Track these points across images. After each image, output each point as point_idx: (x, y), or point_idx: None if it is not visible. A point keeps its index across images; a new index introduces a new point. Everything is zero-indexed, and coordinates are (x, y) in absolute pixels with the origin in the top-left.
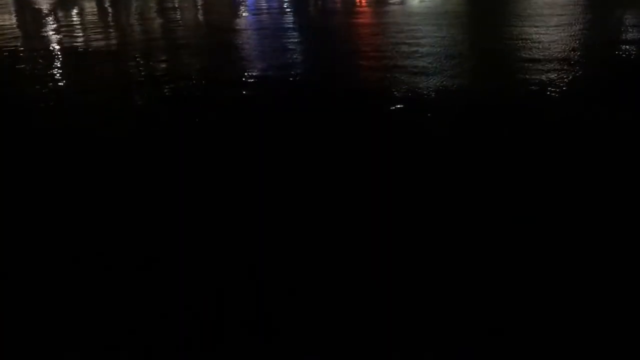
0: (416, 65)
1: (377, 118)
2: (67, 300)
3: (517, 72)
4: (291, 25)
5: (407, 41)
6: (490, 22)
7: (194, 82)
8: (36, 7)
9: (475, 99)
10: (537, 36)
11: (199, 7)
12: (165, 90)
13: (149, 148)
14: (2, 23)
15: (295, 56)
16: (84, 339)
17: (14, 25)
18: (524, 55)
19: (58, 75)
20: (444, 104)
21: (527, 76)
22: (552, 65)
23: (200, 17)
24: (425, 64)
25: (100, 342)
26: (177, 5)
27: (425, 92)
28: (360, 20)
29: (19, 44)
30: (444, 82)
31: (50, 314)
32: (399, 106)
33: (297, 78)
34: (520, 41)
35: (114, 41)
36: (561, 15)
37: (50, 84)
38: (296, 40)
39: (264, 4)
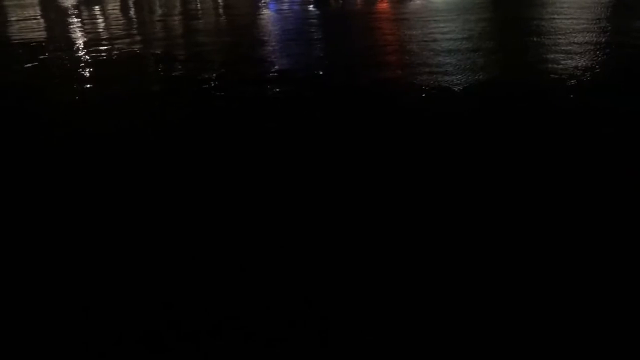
0: (442, 62)
1: (406, 115)
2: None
3: (550, 66)
4: (313, 23)
5: (432, 37)
6: (517, 15)
7: (222, 78)
8: (61, 5)
9: (509, 94)
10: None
11: (220, 6)
12: (194, 87)
13: (186, 141)
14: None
15: (319, 53)
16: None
17: (40, 24)
18: (558, 49)
19: (87, 74)
20: (473, 101)
21: (563, 72)
22: (590, 58)
23: (223, 16)
24: (451, 60)
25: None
26: (199, 4)
27: (452, 88)
28: (383, 17)
29: (47, 41)
30: (472, 79)
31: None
32: (426, 101)
33: (323, 73)
34: (550, 35)
35: (139, 39)
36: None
37: (77, 82)
38: (319, 37)
39: (285, 3)
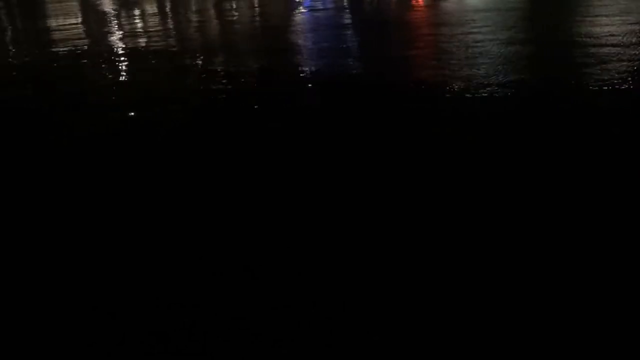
0: (480, 63)
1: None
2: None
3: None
4: (349, 22)
5: (472, 38)
6: (556, 17)
7: (260, 78)
8: (101, 8)
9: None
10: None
11: (256, 6)
12: (234, 87)
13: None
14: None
15: (356, 52)
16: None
17: (82, 26)
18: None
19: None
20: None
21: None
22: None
23: (259, 17)
24: (490, 62)
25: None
26: (234, 6)
27: (499, 89)
28: (420, 17)
29: (92, 42)
30: (511, 81)
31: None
32: (466, 106)
33: (361, 72)
34: (591, 37)
35: (177, 41)
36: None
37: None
38: (355, 36)
39: (319, 2)
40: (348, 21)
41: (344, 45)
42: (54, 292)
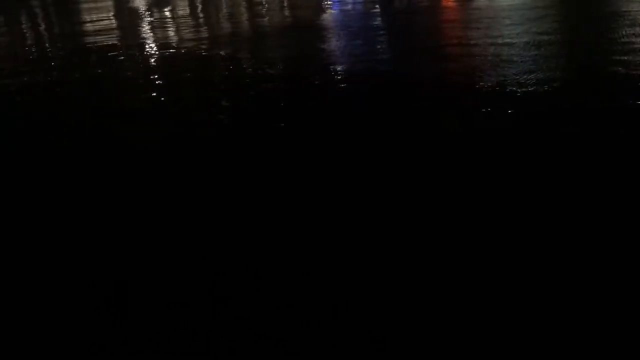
0: (511, 61)
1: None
2: None
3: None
4: (380, 21)
5: (505, 38)
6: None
7: (294, 76)
8: (133, 6)
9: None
10: None
11: (285, 4)
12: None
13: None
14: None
15: (390, 51)
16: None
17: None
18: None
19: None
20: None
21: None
22: None
23: (291, 15)
24: (524, 61)
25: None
26: (265, 3)
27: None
28: (450, 16)
29: (130, 40)
30: (547, 83)
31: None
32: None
33: (394, 71)
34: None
35: (210, 38)
36: None
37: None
38: (387, 35)
39: (349, 2)
40: (380, 20)
41: (385, 46)
42: (75, 289)
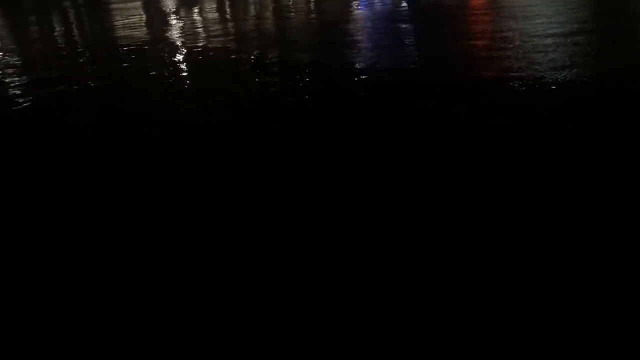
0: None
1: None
2: None
3: None
4: (408, 20)
5: (540, 34)
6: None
7: (323, 75)
8: (162, 7)
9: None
10: None
11: (312, 5)
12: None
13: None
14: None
15: (422, 51)
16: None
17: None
18: None
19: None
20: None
21: None
22: None
23: (320, 15)
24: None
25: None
26: (291, 2)
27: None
28: (482, 12)
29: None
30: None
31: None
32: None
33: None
34: None
35: (238, 37)
36: None
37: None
38: (416, 35)
39: (377, 0)
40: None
41: (417, 45)
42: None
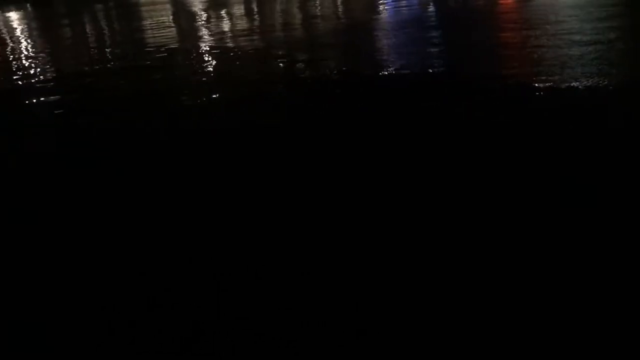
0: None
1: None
2: None
3: None
4: (435, 21)
5: (568, 37)
6: None
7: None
8: (191, 8)
9: None
10: None
11: (339, 5)
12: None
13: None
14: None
15: (448, 52)
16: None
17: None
18: None
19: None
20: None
21: None
22: None
23: (348, 15)
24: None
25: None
26: (318, 4)
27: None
28: (511, 16)
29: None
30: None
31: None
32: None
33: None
34: None
35: (265, 39)
36: None
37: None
38: (444, 36)
39: (403, 3)
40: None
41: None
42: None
